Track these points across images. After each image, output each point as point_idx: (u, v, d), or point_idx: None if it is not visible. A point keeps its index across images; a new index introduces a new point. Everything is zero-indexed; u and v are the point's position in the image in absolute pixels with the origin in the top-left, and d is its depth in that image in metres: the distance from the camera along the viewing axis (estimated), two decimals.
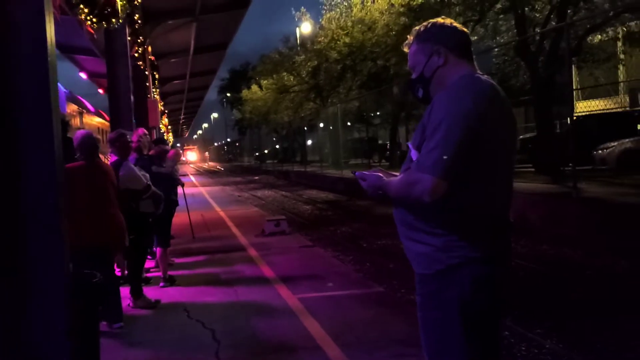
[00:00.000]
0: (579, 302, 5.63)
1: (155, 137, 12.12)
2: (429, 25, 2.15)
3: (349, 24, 25.00)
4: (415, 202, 1.98)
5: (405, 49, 2.22)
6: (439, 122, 1.94)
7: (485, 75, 2.10)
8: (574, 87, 14.42)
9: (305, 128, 37.27)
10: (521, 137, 18.25)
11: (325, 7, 26.55)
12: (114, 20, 5.60)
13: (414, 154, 2.03)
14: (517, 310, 5.19)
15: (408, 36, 2.21)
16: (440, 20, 2.16)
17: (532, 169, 15.09)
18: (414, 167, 1.98)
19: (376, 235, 10.53)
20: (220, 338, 4.47)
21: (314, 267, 7.20)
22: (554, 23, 13.88)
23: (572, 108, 11.48)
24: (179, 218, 8.85)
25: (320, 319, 4.85)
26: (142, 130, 6.74)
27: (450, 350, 2.03)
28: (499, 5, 15.06)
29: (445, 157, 1.90)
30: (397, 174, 2.17)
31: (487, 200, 2.02)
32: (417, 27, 2.19)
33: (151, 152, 6.78)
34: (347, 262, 8.35)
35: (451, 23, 2.14)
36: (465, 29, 2.16)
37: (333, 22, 25.86)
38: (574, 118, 12.53)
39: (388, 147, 29.38)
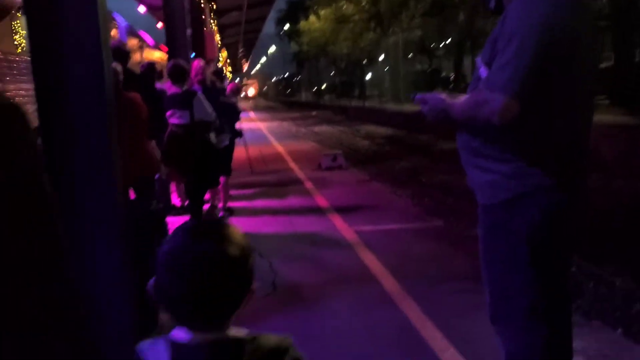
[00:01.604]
0: None
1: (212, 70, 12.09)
2: None
3: None
4: (483, 125, 1.78)
5: None
6: (512, 33, 1.71)
7: None
8: None
9: (365, 61, 36.37)
10: None
11: None
12: None
13: (483, 71, 1.81)
14: (587, 246, 4.93)
15: None
16: None
17: (607, 101, 14.18)
18: (483, 86, 1.77)
19: (436, 171, 10.27)
20: (277, 268, 4.49)
21: (371, 201, 7.11)
22: None
23: None
24: (237, 153, 8.90)
25: (377, 252, 4.78)
26: (197, 62, 6.67)
27: (515, 285, 1.88)
28: None
29: (518, 73, 1.68)
30: (463, 95, 1.97)
31: (564, 122, 1.80)
32: None
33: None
34: (406, 197, 8.19)
35: None
36: None
37: None
38: None
39: (452, 79, 28.29)
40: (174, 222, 5.68)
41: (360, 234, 5.42)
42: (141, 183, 4.39)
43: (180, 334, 1.04)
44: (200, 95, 5.36)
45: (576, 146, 1.85)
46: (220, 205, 6.73)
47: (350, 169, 10.04)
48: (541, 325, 1.88)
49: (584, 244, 4.89)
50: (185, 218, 5.99)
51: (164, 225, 3.35)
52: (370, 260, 4.60)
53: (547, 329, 1.89)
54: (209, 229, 1.07)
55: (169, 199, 6.57)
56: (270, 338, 1.06)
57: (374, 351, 2.98)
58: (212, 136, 5.51)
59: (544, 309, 1.88)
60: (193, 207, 5.70)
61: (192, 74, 6.24)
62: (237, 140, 7.29)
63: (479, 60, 1.86)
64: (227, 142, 6.10)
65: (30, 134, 1.03)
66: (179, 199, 6.79)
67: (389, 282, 4.04)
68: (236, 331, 1.06)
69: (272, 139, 16.38)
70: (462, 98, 1.89)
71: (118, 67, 4.24)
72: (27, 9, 2.55)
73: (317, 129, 22.65)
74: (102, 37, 2.51)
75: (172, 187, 6.84)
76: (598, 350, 2.83)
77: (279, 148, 13.77)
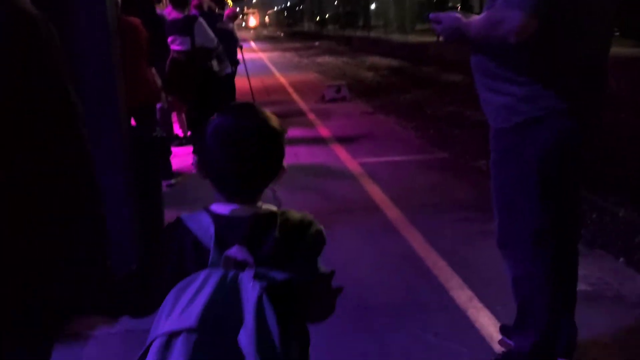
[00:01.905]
0: None
1: None
2: None
3: None
4: (499, 45, 1.70)
5: None
6: None
7: None
8: None
9: None
10: None
11: None
12: None
13: None
14: (591, 178, 4.91)
15: None
16: None
17: (617, 33, 13.80)
18: (500, 3, 1.68)
19: (441, 103, 10.13)
20: (280, 197, 4.48)
21: (375, 133, 7.05)
22: None
23: None
24: (239, 83, 8.74)
25: (380, 183, 4.77)
26: None
27: (523, 211, 1.86)
28: None
29: None
30: (477, 15, 1.88)
31: (582, 43, 1.73)
32: None
33: None
34: (410, 129, 8.11)
35: None
36: None
37: None
38: None
39: (459, 9, 27.46)
40: (176, 153, 5.68)
41: (364, 165, 5.40)
42: (142, 111, 4.32)
43: (220, 208, 1.18)
44: (201, 20, 5.20)
45: (592, 67, 1.78)
46: None
47: (354, 100, 9.90)
48: (548, 250, 1.88)
49: (588, 174, 4.87)
50: (188, 149, 5.96)
51: (167, 153, 3.31)
52: (374, 191, 4.60)
53: (554, 254, 1.89)
54: (251, 108, 1.21)
55: (171, 129, 6.50)
56: (295, 213, 1.22)
57: (379, 280, 3.01)
58: (215, 63, 5.38)
59: (552, 234, 1.87)
60: (195, 136, 5.66)
61: None
62: (238, 69, 7.16)
63: None
64: (229, 70, 5.98)
65: (57, 43, 1.09)
66: (181, 130, 6.73)
67: (392, 212, 4.05)
68: (267, 206, 1.21)
69: (274, 69, 16.11)
70: (478, 17, 1.80)
71: None
72: None
73: (320, 59, 22.22)
74: None
75: (174, 117, 6.75)
76: (600, 279, 2.86)
77: (281, 79, 13.55)
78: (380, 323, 2.54)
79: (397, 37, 24.48)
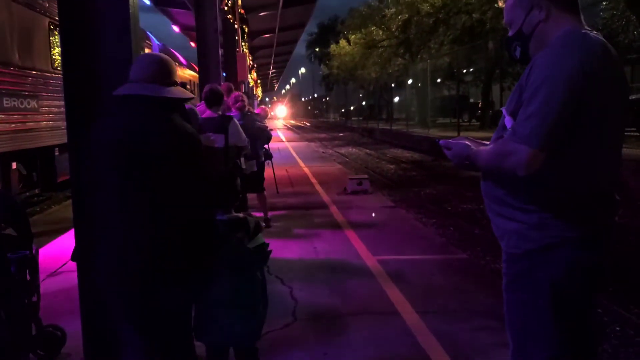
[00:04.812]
0: None
1: (242, 91, 12.30)
2: None
3: None
4: (508, 175, 1.78)
5: (501, 4, 1.98)
6: (539, 84, 1.71)
7: (594, 32, 1.83)
8: None
9: (393, 85, 36.46)
10: None
11: None
12: None
13: (508, 121, 1.82)
14: (613, 287, 4.82)
15: None
16: None
17: (638, 134, 13.95)
18: (508, 136, 1.77)
19: (461, 199, 10.20)
20: (297, 296, 4.49)
21: (395, 228, 7.08)
22: None
23: None
24: (265, 173, 8.98)
25: (399, 284, 4.75)
26: (237, 93, 6.92)
27: (536, 336, 1.85)
28: None
29: (544, 125, 1.68)
30: (487, 142, 1.98)
31: (590, 173, 1.79)
32: None
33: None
34: (430, 226, 8.16)
35: None
36: None
37: None
38: None
39: (480, 106, 28.15)
40: None
41: (383, 263, 5.39)
42: None
43: (221, 217, 2.55)
44: (235, 120, 5.51)
45: (601, 195, 1.83)
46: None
47: (375, 193, 10.03)
48: None
49: (609, 284, 4.78)
50: None
51: None
52: (392, 291, 4.57)
53: None
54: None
55: None
56: (251, 217, 2.64)
57: None
58: (242, 161, 5.63)
59: None
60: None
61: (231, 102, 6.48)
62: (267, 162, 7.48)
63: (504, 109, 1.87)
64: (255, 168, 6.24)
65: (198, 144, 2.32)
66: None
67: (410, 317, 4.00)
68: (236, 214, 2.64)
69: (298, 159, 16.48)
70: (487, 147, 1.89)
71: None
72: (62, 27, 2.67)
73: (343, 150, 22.74)
74: (135, 56, 2.61)
75: None
76: None
77: (305, 169, 13.83)
78: None
79: (418, 130, 25.03)
